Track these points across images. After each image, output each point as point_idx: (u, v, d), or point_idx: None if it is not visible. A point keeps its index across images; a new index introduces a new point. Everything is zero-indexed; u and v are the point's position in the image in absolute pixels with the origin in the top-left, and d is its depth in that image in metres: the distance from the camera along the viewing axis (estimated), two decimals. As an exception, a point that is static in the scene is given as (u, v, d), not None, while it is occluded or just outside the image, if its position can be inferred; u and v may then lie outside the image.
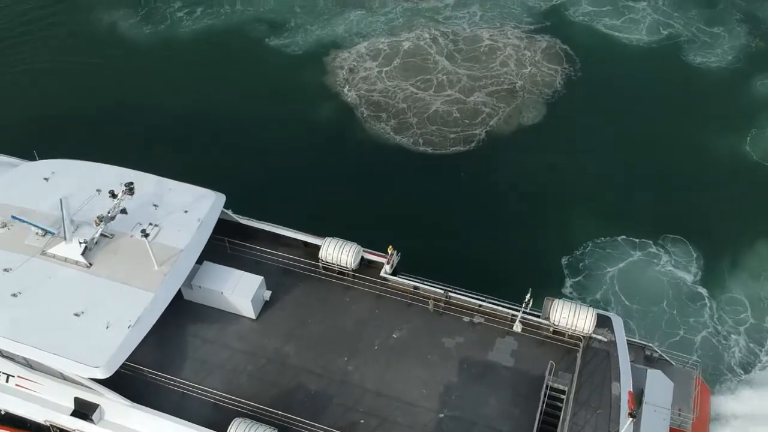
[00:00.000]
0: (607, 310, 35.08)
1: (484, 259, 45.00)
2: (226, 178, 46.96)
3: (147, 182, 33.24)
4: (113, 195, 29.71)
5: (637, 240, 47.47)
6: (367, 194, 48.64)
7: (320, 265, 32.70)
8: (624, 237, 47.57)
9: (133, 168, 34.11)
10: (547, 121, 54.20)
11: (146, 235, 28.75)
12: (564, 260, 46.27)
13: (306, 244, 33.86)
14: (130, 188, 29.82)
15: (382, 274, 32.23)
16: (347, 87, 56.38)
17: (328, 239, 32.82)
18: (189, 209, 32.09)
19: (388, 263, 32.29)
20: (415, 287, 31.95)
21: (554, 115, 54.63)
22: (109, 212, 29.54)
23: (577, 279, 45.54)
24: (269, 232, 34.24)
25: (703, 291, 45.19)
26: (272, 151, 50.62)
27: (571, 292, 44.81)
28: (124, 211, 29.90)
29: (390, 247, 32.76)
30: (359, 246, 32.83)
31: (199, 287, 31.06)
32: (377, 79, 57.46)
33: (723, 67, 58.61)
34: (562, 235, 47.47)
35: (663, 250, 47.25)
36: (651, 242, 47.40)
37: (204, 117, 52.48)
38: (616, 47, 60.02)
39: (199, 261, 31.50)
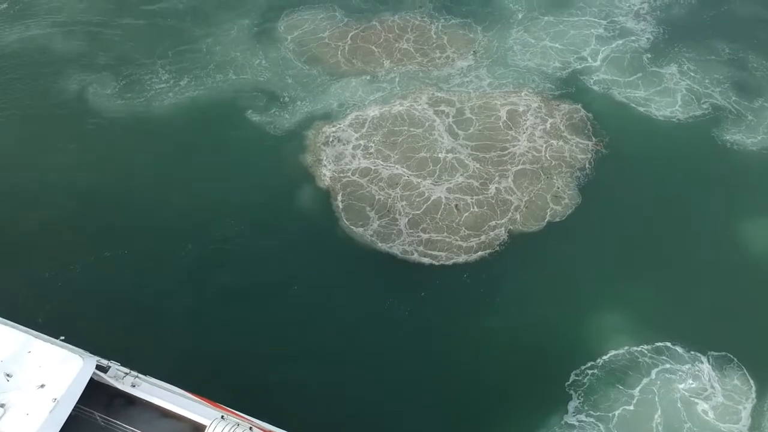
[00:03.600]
0: None
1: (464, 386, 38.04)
2: (138, 303, 40.96)
3: (8, 340, 27.28)
4: None
5: (670, 353, 39.18)
6: (321, 339, 39.87)
7: (204, 452, 25.60)
8: (654, 347, 39.46)
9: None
10: (579, 213, 45.74)
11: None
12: (573, 376, 38.39)
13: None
14: None
15: (273, 472, 24.83)
16: (324, 170, 47.66)
17: (215, 421, 26.01)
18: (47, 382, 25.61)
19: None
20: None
21: (587, 205, 46.24)
22: None
23: (583, 402, 37.50)
24: (151, 403, 27.70)
25: (754, 443, 36.54)
26: (204, 266, 42.80)
27: (573, 422, 36.91)
28: None
29: (285, 436, 25.82)
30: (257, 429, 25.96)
31: (49, 486, 24.39)
32: (362, 161, 48.61)
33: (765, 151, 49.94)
34: (573, 347, 39.78)
35: (702, 370, 38.66)
36: (688, 356, 39.00)
37: (134, 217, 45.17)
38: (646, 120, 51.54)
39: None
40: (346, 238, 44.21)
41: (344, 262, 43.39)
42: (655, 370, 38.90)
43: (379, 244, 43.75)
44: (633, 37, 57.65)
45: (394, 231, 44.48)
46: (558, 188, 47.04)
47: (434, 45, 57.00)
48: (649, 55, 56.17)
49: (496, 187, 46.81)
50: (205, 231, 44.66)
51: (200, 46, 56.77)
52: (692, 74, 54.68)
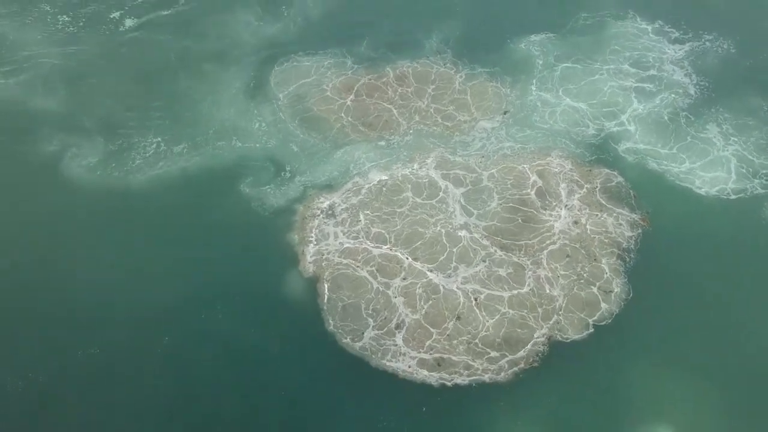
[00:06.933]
0: None
1: None
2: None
3: None
4: None
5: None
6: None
7: None
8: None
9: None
10: (629, 312, 38.07)
11: None
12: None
13: None
14: None
15: None
16: (308, 255, 39.45)
17: None
18: None
19: None
20: None
21: (637, 300, 38.64)
22: None
23: None
24: None
25: None
26: (179, 366, 36.19)
27: None
28: None
29: None
30: None
31: None
32: (351, 241, 40.13)
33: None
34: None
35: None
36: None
37: (107, 309, 38.12)
38: (690, 193, 44.16)
39: None
40: (334, 347, 36.25)
41: (331, 375, 35.56)
42: None
43: (374, 360, 35.48)
44: (671, 92, 49.97)
45: (392, 349, 35.68)
46: (606, 275, 39.09)
47: (458, 103, 48.51)
48: (690, 116, 48.39)
49: (532, 274, 38.36)
50: (181, 323, 37.65)
51: (199, 108, 48.56)
52: (734, 138, 47.07)
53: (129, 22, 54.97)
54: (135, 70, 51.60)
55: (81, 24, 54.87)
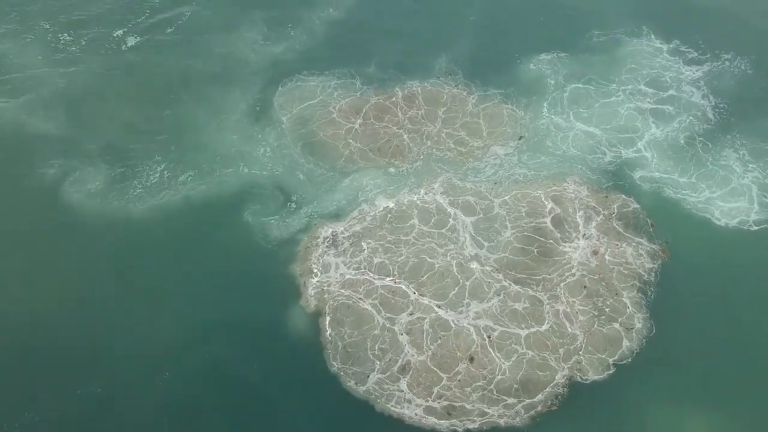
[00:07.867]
0: None
1: None
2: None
3: None
4: None
5: None
6: None
7: None
8: None
9: None
10: (652, 350, 36.26)
11: None
12: None
13: None
14: None
15: None
16: (315, 289, 37.52)
17: None
18: None
19: None
20: None
21: (660, 336, 36.83)
22: None
23: None
24: None
25: None
26: (181, 401, 34.56)
27: None
28: None
29: None
30: None
31: None
32: (355, 273, 38.23)
33: None
34: None
35: None
36: None
37: (105, 344, 36.45)
38: (709, 223, 42.40)
39: None
40: (338, 390, 34.38)
41: (335, 419, 33.80)
42: None
43: (378, 404, 33.66)
44: (689, 114, 48.32)
45: (396, 395, 33.64)
46: (629, 311, 37.32)
47: (470, 127, 46.67)
48: (707, 142, 46.63)
49: (550, 309, 36.64)
50: (182, 359, 35.99)
51: (204, 131, 46.80)
52: (752, 165, 45.38)
53: (131, 41, 53.51)
54: (138, 90, 49.95)
55: (83, 43, 53.39)
